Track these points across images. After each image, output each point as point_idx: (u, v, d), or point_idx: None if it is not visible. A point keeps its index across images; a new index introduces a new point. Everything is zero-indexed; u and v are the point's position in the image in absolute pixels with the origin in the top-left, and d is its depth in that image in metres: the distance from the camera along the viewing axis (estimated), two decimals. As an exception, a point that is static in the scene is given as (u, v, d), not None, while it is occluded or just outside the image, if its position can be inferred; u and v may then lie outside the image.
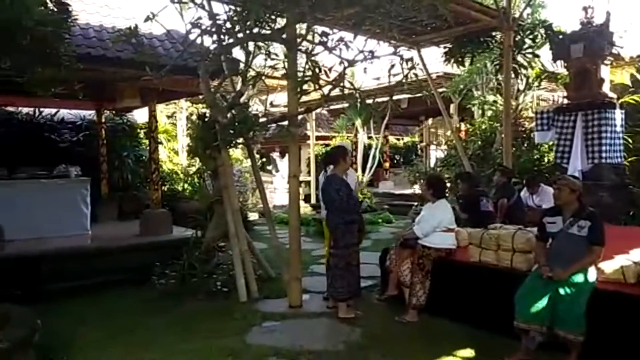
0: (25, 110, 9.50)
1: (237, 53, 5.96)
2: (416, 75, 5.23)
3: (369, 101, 6.21)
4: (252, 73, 5.79)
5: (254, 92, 9.72)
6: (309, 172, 16.59)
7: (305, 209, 14.01)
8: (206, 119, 5.89)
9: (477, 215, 5.85)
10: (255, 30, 5.01)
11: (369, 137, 15.92)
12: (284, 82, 11.94)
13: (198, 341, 4.40)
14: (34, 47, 4.53)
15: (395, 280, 5.13)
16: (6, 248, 6.21)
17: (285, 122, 5.80)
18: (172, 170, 10.74)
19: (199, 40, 5.56)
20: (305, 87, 4.97)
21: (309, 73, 4.69)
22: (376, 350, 4.15)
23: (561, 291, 3.63)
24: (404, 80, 5.16)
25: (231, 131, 5.55)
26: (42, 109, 9.69)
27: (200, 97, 12.16)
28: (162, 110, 12.90)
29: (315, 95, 7.35)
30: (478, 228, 5.16)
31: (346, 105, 13.18)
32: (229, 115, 5.77)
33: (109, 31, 6.73)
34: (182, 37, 6.82)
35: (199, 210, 9.83)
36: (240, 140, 5.79)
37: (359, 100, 5.08)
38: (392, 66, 5.18)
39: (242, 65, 5.67)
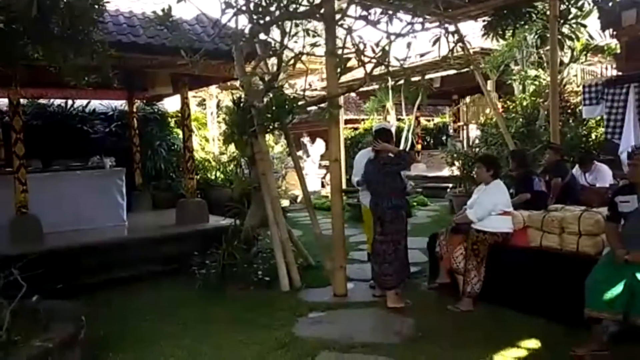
0: (57, 102, 9.48)
1: (273, 33, 5.68)
2: (463, 48, 4.87)
3: (415, 79, 5.86)
4: (288, 54, 5.52)
5: (285, 76, 9.45)
6: (338, 157, 16.33)
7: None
8: (241, 104, 5.68)
9: (530, 195, 5.50)
10: (292, 7, 4.73)
11: (399, 119, 15.50)
12: (315, 65, 11.68)
13: (247, 333, 4.24)
14: (67, 35, 4.39)
15: (447, 267, 4.86)
16: (45, 241, 6.18)
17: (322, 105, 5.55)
18: (204, 158, 10.64)
19: (232, 21, 5.32)
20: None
21: (351, 50, 4.40)
22: (432, 342, 3.91)
23: (639, 276, 3.30)
24: (449, 55, 4.81)
25: (268, 115, 5.32)
26: (74, 101, 9.66)
27: (230, 83, 12.00)
28: (192, 98, 12.76)
29: (349, 77, 7.06)
30: (531, 209, 4.84)
31: (376, 86, 12.80)
32: (265, 99, 5.55)
33: (139, 17, 6.57)
34: (213, 20, 6.60)
35: (232, 198, 9.80)
36: (277, 125, 5.55)
37: (404, 78, 4.75)
38: (437, 39, 4.83)
39: (277, 46, 5.41)
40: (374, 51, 4.43)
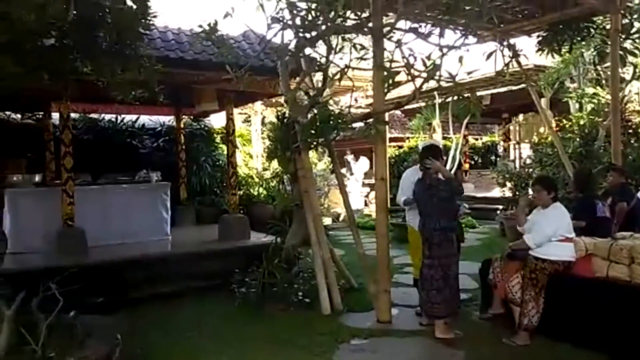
0: (108, 117, 9.75)
1: (319, 48, 5.58)
2: (519, 63, 4.58)
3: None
4: (334, 69, 5.39)
5: (330, 92, 9.34)
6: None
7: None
8: (285, 120, 5.58)
9: (592, 221, 5.06)
10: (339, 21, 4.61)
11: (445, 138, 15.08)
12: (360, 83, 11.55)
13: (286, 356, 4.09)
14: (115, 49, 4.43)
15: (501, 296, 4.50)
16: (90, 254, 6.24)
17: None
18: (247, 174, 10.66)
19: (278, 37, 5.26)
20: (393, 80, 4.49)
21: (400, 63, 4.21)
22: (485, 378, 3.59)
23: None
24: (504, 70, 4.53)
25: (312, 131, 5.19)
26: (124, 116, 9.92)
27: (275, 99, 12.05)
28: (237, 114, 12.91)
29: (394, 94, 6.84)
30: (593, 236, 4.44)
31: (422, 104, 12.52)
32: (309, 115, 5.43)
33: (187, 34, 6.65)
34: (259, 37, 6.61)
35: (274, 215, 9.73)
36: (321, 141, 5.41)
37: (454, 94, 4.49)
38: (492, 53, 4.57)
39: (323, 61, 5.30)
40: (424, 65, 4.21)
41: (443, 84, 4.36)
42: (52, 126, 8.62)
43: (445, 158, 6.00)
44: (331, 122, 4.73)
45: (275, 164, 10.13)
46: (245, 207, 9.33)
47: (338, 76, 4.62)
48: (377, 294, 4.91)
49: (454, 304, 4.48)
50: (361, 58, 4.77)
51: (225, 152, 10.49)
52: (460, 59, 4.81)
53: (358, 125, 10.05)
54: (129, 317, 5.13)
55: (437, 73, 4.18)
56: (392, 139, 16.87)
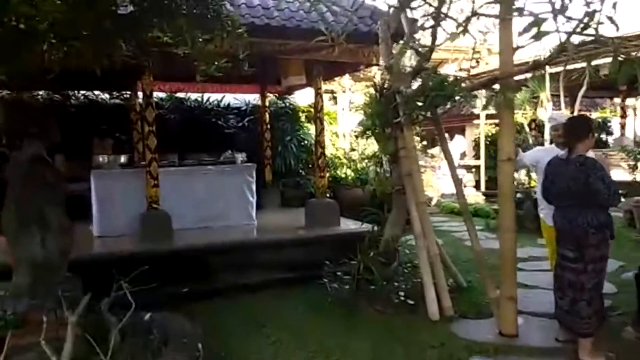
0: (194, 96, 9.51)
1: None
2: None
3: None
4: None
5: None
6: (476, 156, 14.72)
7: (476, 197, 12.32)
8: (385, 91, 4.79)
9: None
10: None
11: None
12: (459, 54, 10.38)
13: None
14: (195, 12, 3.89)
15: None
16: (174, 238, 5.91)
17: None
18: (334, 155, 10.01)
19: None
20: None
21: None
22: None
23: None
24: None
25: (418, 103, 4.35)
26: (209, 95, 9.63)
27: (364, 74, 11.22)
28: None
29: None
30: None
31: (528, 75, 11.07)
32: (413, 84, 4.59)
33: (274, -1, 6.02)
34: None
35: (368, 200, 9.01)
36: (429, 114, 4.56)
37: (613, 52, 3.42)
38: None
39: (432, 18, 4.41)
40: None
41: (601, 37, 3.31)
42: (139, 105, 8.48)
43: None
44: (444, 90, 3.86)
45: (368, 143, 9.42)
46: (332, 190, 8.69)
47: (461, 29, 3.70)
48: (500, 301, 4.03)
49: (601, 316, 3.52)
50: (474, 15, 3.74)
51: (311, 132, 9.96)
52: (614, 6, 3.69)
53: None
54: (210, 311, 4.71)
55: (596, 19, 3.16)
56: (488, 116, 15.45)
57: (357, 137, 10.63)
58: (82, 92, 8.71)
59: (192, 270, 5.37)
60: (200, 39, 4.08)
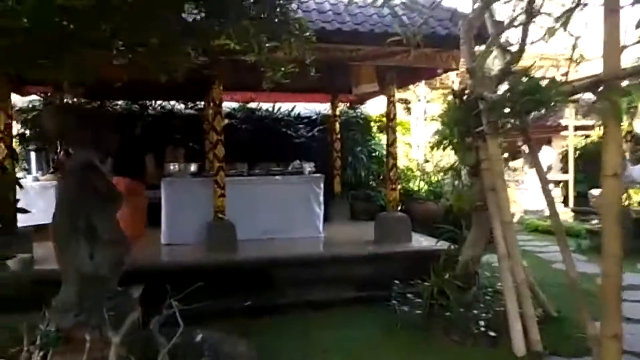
0: (265, 106, 9.47)
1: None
2: None
3: None
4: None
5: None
6: (563, 170, 13.55)
7: (564, 214, 11.29)
8: (466, 97, 4.35)
9: None
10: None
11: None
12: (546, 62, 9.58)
13: None
14: (261, 15, 3.70)
15: None
16: (238, 249, 5.77)
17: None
18: (406, 167, 9.55)
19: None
20: None
21: None
22: None
23: None
24: None
25: (506, 110, 3.88)
26: (280, 105, 9.55)
27: (438, 82, 10.70)
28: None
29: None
30: None
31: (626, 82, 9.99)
32: (498, 89, 4.12)
33: (345, 3, 5.77)
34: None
35: (437, 214, 8.49)
36: (518, 122, 4.06)
37: None
38: None
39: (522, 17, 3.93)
40: None
41: None
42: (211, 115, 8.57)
43: None
44: (539, 94, 3.37)
45: (445, 154, 8.93)
46: (403, 204, 8.24)
47: (560, 23, 3.21)
48: (601, 340, 3.43)
49: None
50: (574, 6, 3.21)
51: (383, 142, 9.58)
52: None
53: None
54: (269, 329, 4.46)
55: None
56: (577, 127, 14.23)
57: (431, 148, 10.11)
58: (159, 102, 8.93)
59: (254, 283, 5.18)
60: (268, 44, 3.90)
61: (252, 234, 6.32)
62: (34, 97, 8.01)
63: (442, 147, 4.58)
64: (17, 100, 8.09)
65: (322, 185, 6.92)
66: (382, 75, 6.35)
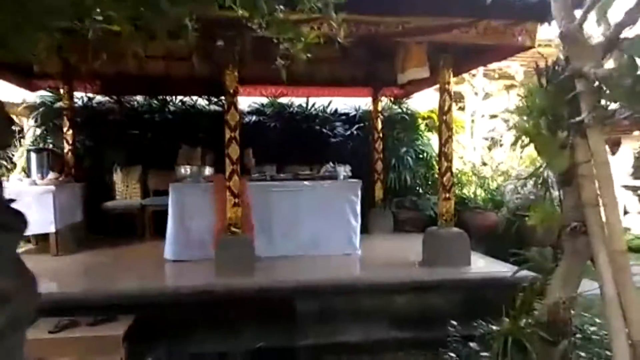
0: (297, 101, 8.44)
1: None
2: None
3: None
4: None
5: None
6: (635, 175, 11.78)
7: (646, 228, 9.64)
8: (556, 75, 3.11)
9: None
10: None
11: None
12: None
13: None
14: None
15: None
16: (255, 270, 4.73)
17: None
18: (460, 170, 8.26)
19: None
20: None
21: None
22: None
23: None
24: None
25: (620, 91, 2.64)
26: (315, 101, 8.49)
27: (498, 71, 9.31)
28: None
29: None
30: None
31: None
32: (609, 62, 2.88)
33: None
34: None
35: (497, 227, 7.18)
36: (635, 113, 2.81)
37: None
38: None
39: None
40: None
41: None
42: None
43: None
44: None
45: (501, 155, 7.65)
46: (456, 213, 6.98)
47: None
48: None
49: None
50: None
51: (432, 142, 8.37)
52: None
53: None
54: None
55: None
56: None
57: (489, 148, 8.78)
58: (180, 97, 8.08)
59: (270, 316, 4.13)
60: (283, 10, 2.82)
61: (275, 250, 5.35)
62: (43, 92, 7.32)
63: (520, 145, 3.36)
64: (27, 95, 7.44)
65: (359, 193, 5.80)
66: (435, 57, 5.15)
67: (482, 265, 5.12)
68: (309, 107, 8.36)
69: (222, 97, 7.90)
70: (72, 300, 4.06)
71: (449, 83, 5.16)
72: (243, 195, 5.12)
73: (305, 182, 5.73)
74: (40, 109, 7.32)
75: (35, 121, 7.39)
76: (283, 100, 8.32)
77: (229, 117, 4.78)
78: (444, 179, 5.20)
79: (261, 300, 4.27)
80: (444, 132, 5.16)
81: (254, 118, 8.03)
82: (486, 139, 10.11)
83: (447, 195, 5.20)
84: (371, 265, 5.40)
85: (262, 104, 8.30)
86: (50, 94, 7.36)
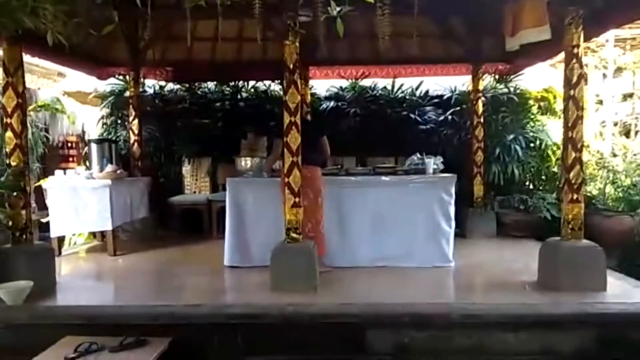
0: (381, 83, 7.38)
1: None
2: None
3: None
4: None
5: None
6: None
7: None
8: None
9: None
10: None
11: None
12: None
13: None
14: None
15: None
16: (318, 286, 3.82)
17: None
18: (585, 162, 6.65)
19: None
20: None
21: None
22: None
23: None
24: None
25: None
26: (402, 82, 7.38)
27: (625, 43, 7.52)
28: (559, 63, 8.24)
29: None
30: None
31: None
32: None
33: None
34: None
35: (632, 233, 5.71)
36: None
37: None
38: None
39: None
40: None
41: None
42: (310, 95, 6.76)
43: None
44: None
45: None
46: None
47: None
48: None
49: None
50: None
51: (547, 128, 6.89)
52: None
53: None
54: None
55: None
56: None
57: (621, 135, 7.07)
58: (252, 83, 7.42)
59: (332, 348, 3.22)
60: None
61: (345, 260, 4.46)
62: (113, 80, 7.01)
63: None
64: (99, 84, 7.20)
65: (452, 190, 4.64)
66: (559, 13, 3.85)
67: (622, 291, 3.77)
68: (395, 90, 7.28)
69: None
70: (102, 317, 3.47)
71: (578, 46, 3.82)
72: (319, 194, 4.31)
73: (386, 178, 4.70)
74: (110, 98, 7.02)
75: (110, 109, 7.14)
76: (365, 82, 7.32)
77: (289, 98, 3.90)
78: (571, 174, 3.88)
79: (322, 326, 3.37)
80: (572, 112, 3.84)
81: (331, 104, 7.14)
82: (617, 123, 8.29)
83: (576, 196, 3.88)
84: (468, 285, 4.27)
85: (341, 88, 7.37)
86: (120, 83, 7.04)
